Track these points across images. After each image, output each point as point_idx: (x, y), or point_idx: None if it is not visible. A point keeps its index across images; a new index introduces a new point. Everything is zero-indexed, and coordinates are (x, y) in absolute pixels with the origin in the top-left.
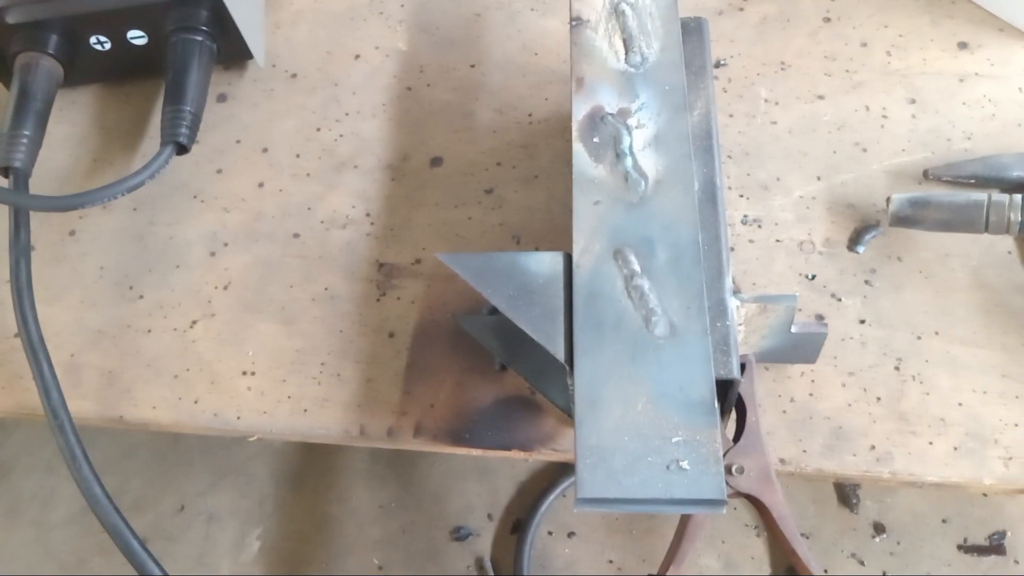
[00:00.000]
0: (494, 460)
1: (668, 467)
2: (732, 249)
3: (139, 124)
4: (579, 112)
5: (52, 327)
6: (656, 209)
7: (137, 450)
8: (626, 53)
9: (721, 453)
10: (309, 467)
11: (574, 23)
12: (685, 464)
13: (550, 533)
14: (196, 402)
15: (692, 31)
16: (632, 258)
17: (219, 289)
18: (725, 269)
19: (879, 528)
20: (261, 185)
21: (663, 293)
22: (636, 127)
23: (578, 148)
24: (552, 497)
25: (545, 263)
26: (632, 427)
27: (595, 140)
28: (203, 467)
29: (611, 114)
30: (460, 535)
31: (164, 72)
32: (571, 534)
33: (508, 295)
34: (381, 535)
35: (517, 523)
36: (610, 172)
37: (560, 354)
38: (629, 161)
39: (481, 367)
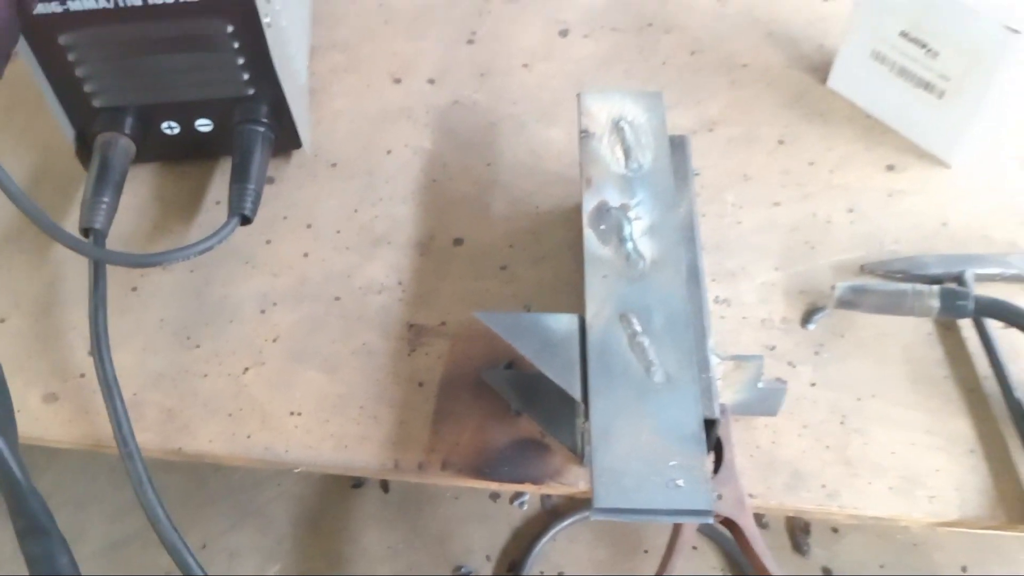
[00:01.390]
0: (493, 507)
1: (667, 484)
2: None
3: (195, 198)
4: (588, 205)
5: (117, 369)
6: (653, 283)
7: (165, 492)
8: (626, 160)
9: (709, 475)
10: (324, 510)
11: (583, 135)
12: (681, 482)
13: (542, 573)
14: (249, 437)
15: (677, 145)
16: (634, 321)
17: (269, 341)
18: (708, 333)
19: (827, 571)
20: (306, 255)
21: (660, 349)
22: (635, 219)
23: (588, 233)
24: (544, 541)
25: (564, 323)
26: (638, 453)
27: (602, 227)
28: (226, 508)
29: (615, 208)
30: (461, 574)
31: (232, 154)
32: (560, 574)
33: (534, 348)
34: (390, 573)
35: (512, 564)
36: (615, 253)
37: (577, 395)
38: (630, 245)
39: (499, 413)
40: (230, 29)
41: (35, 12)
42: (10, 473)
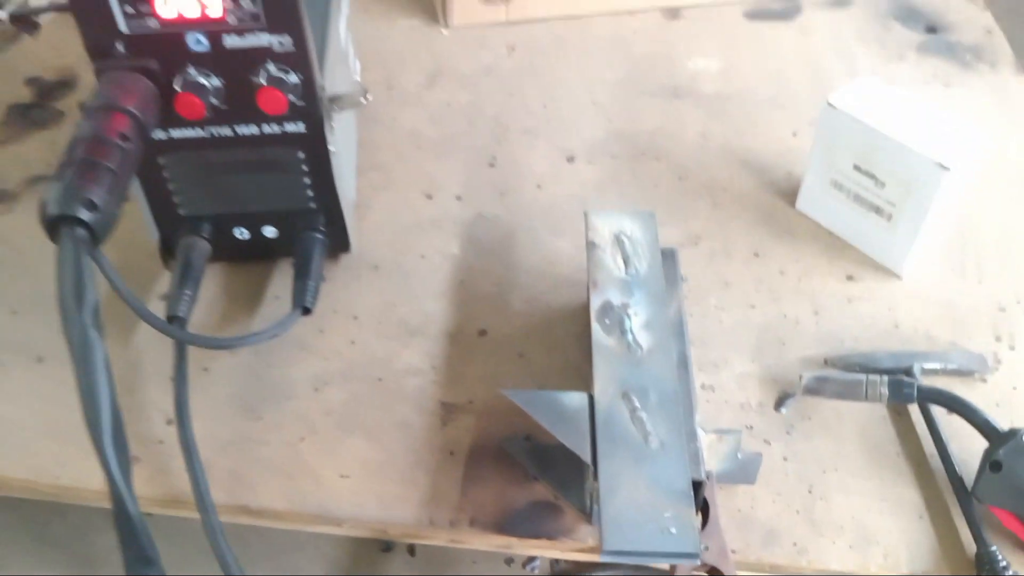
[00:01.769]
0: (507, 570)
1: (662, 531)
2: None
3: (257, 293)
4: (595, 303)
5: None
6: (649, 368)
7: (208, 554)
8: (625, 267)
9: (697, 524)
10: (357, 571)
11: (590, 246)
12: (673, 530)
13: None
14: (305, 495)
15: (668, 256)
16: (634, 398)
17: (321, 415)
18: (695, 410)
19: None
20: (353, 343)
21: (655, 422)
22: (634, 315)
23: (596, 326)
24: None
25: (576, 399)
26: (638, 505)
27: (607, 321)
28: (269, 568)
29: (617, 305)
30: None
31: (294, 256)
32: None
33: (551, 419)
34: None
35: None
36: (618, 342)
37: (587, 459)
38: (630, 336)
39: (518, 478)
40: (301, 155)
41: None
42: (124, 507)
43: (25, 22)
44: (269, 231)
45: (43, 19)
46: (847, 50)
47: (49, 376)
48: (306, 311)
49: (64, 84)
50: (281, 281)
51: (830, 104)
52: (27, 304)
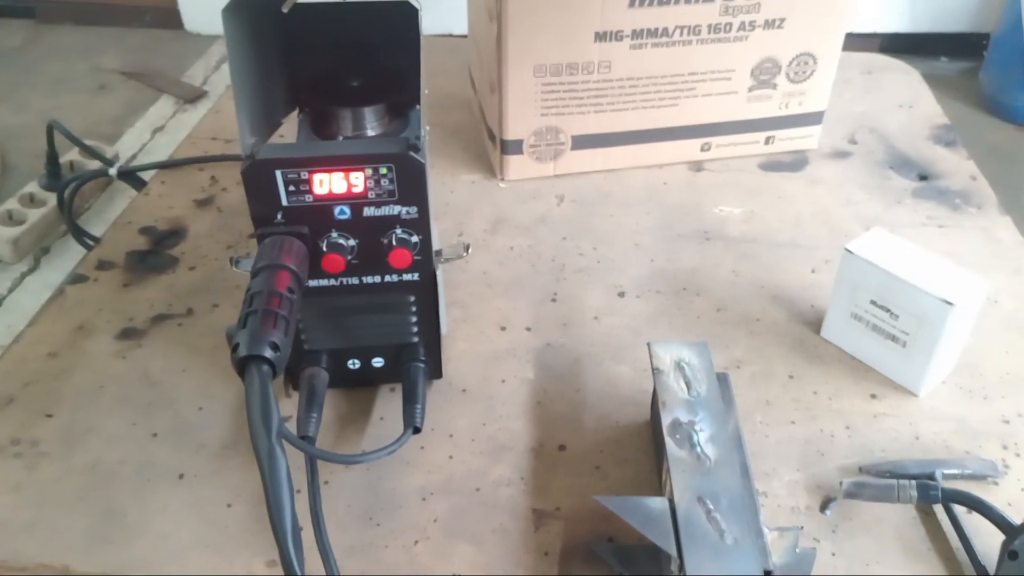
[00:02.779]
0: None
1: None
2: None
3: (364, 415)
4: (666, 421)
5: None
6: (718, 476)
7: None
8: (687, 389)
9: None
10: None
11: (656, 372)
12: None
13: None
14: None
15: (722, 379)
16: (708, 502)
17: (430, 522)
18: (759, 510)
19: None
20: (451, 457)
21: (728, 521)
22: (699, 431)
23: (668, 441)
24: None
25: (658, 503)
26: None
27: (677, 436)
28: None
29: (684, 423)
30: None
31: (403, 383)
32: None
33: (639, 520)
34: None
35: None
36: (688, 454)
37: (674, 553)
38: (699, 449)
39: (606, 574)
40: (412, 299)
41: None
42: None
43: (132, 178)
44: (377, 361)
45: (147, 175)
46: (852, 196)
47: (191, 492)
48: (416, 430)
49: (175, 233)
50: (383, 404)
51: (848, 250)
52: (167, 429)
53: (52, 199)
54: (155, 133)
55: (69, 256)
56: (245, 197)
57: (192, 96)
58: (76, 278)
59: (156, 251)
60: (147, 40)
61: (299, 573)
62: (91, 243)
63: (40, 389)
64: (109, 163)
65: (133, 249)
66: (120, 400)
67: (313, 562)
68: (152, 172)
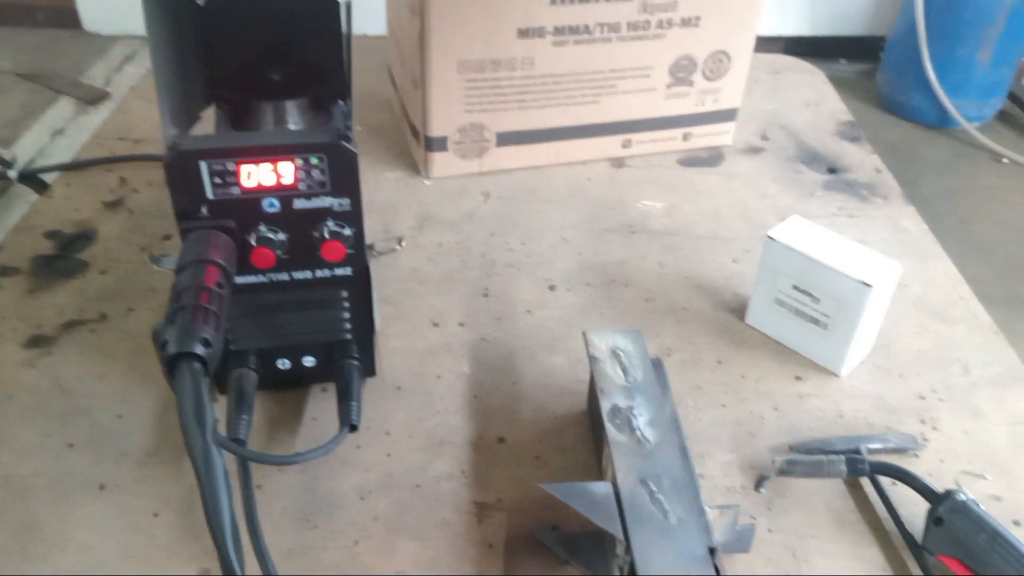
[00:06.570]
0: None
1: None
2: None
3: (295, 416)
4: (605, 407)
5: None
6: (658, 458)
7: None
8: (624, 376)
9: None
10: None
11: (592, 359)
12: None
13: None
14: None
15: (656, 365)
16: (651, 484)
17: (371, 520)
18: (699, 491)
19: None
20: (389, 455)
21: (671, 502)
22: (638, 415)
23: (608, 426)
24: None
25: (602, 488)
26: (668, 570)
27: (617, 421)
28: None
29: (623, 408)
30: None
31: (337, 382)
32: None
33: (584, 505)
34: None
35: None
36: (629, 438)
37: (620, 536)
38: (639, 433)
39: (551, 562)
40: (345, 294)
41: None
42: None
43: (33, 181)
44: (308, 360)
45: (50, 178)
46: (766, 190)
47: (114, 502)
48: (353, 428)
49: (83, 237)
50: (315, 405)
51: (770, 237)
52: (84, 438)
53: None
54: (55, 136)
55: None
56: (157, 199)
57: (93, 98)
58: None
59: (64, 255)
60: (43, 40)
61: (240, 575)
62: None
63: None
64: (8, 165)
65: (38, 254)
66: (31, 410)
67: (250, 568)
68: (55, 175)
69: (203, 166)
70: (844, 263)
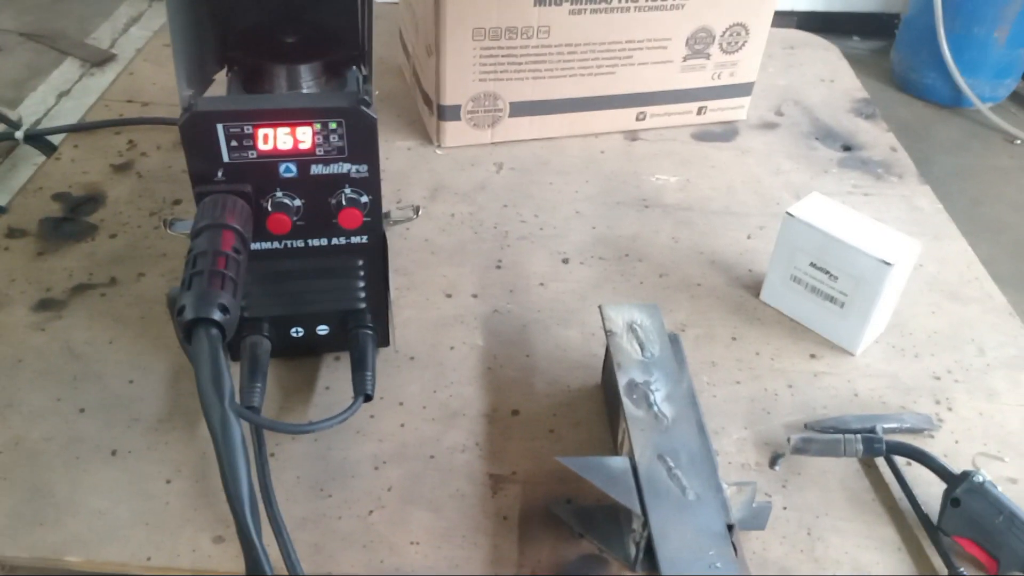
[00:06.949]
0: None
1: (710, 567)
2: None
3: (308, 385)
4: (622, 381)
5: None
6: (676, 433)
7: None
8: (641, 351)
9: (736, 560)
10: None
11: (609, 334)
12: (719, 564)
13: None
14: (382, 562)
15: (673, 340)
16: (668, 460)
17: (385, 490)
18: (717, 467)
19: None
20: (402, 425)
21: (689, 478)
22: (655, 390)
23: (626, 401)
24: None
25: (619, 462)
26: (686, 547)
27: (634, 396)
28: None
29: (640, 383)
30: None
31: (351, 351)
32: None
33: (602, 480)
34: None
35: None
36: (646, 414)
37: (638, 511)
38: (656, 408)
39: (565, 536)
40: (361, 263)
41: None
42: (263, 570)
43: (40, 143)
44: (322, 329)
45: (56, 140)
46: (780, 166)
47: (126, 468)
48: (368, 398)
49: (92, 200)
50: (328, 374)
51: (789, 214)
52: (95, 404)
53: None
54: (60, 97)
55: None
56: (166, 163)
57: (99, 59)
58: None
59: (72, 218)
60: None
61: (258, 543)
62: None
63: None
64: (14, 125)
65: (46, 216)
66: (41, 374)
67: (265, 535)
68: (62, 136)
69: (220, 128)
70: (863, 241)
